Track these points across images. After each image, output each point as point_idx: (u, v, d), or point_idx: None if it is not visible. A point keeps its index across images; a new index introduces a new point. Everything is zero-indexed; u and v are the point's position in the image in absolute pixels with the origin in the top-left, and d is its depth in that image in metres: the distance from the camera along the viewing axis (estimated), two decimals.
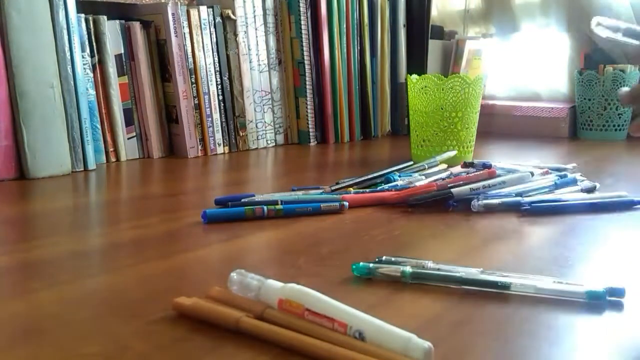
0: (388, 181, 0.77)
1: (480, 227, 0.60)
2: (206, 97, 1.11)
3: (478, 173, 0.72)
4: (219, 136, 1.13)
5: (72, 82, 0.92)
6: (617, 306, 0.39)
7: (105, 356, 0.33)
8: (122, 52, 1.04)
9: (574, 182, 0.73)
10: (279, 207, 0.64)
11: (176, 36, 1.06)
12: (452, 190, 0.66)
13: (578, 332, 0.36)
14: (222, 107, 1.14)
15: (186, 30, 1.08)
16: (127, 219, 0.64)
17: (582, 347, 0.34)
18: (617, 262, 0.49)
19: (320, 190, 0.72)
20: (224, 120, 1.14)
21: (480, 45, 1.55)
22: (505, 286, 0.41)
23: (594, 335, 0.36)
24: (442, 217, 0.64)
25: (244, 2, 1.16)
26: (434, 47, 1.50)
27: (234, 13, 1.14)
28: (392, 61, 1.42)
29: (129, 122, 1.05)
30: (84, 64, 0.96)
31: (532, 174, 0.73)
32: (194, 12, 1.09)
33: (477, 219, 0.63)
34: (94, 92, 0.99)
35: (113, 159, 1.03)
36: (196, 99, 1.10)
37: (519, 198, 0.67)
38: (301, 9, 1.22)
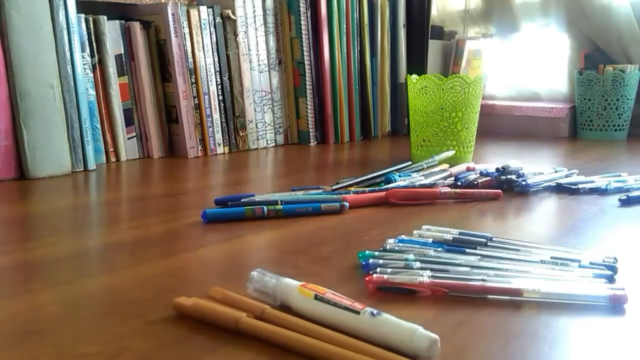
0: (388, 181, 0.77)
1: (479, 222, 0.60)
2: (206, 97, 1.11)
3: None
4: (219, 136, 1.13)
5: (72, 82, 0.92)
6: (618, 307, 0.39)
7: (105, 356, 0.32)
8: (122, 52, 1.04)
9: None
10: (279, 207, 0.64)
11: (176, 36, 1.06)
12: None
13: (578, 333, 0.36)
14: (222, 107, 1.14)
15: (186, 30, 1.08)
16: (127, 219, 0.64)
17: (582, 348, 0.34)
18: None
19: (321, 190, 0.72)
20: (224, 120, 1.14)
21: (480, 45, 1.55)
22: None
23: (594, 335, 0.36)
24: (440, 215, 0.64)
25: (244, 2, 1.16)
26: (434, 47, 1.50)
27: (234, 13, 1.14)
28: (392, 61, 1.42)
29: (129, 122, 1.05)
30: (84, 64, 0.96)
31: None
32: (194, 12, 1.09)
33: (473, 217, 0.63)
34: (94, 92, 0.99)
35: (113, 159, 1.02)
36: (196, 99, 1.10)
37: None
38: (301, 9, 1.22)
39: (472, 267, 0.44)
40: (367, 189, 0.73)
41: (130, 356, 0.33)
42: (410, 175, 0.79)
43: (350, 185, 0.75)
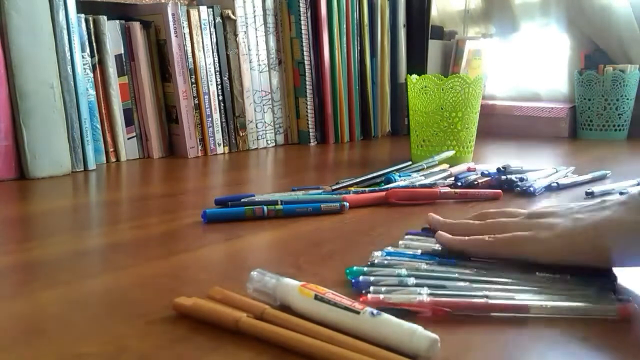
0: (388, 181, 0.77)
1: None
2: (206, 97, 1.11)
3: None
4: (219, 136, 1.13)
5: (72, 82, 0.92)
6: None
7: (105, 356, 0.32)
8: (122, 52, 1.04)
9: None
10: (279, 207, 0.64)
11: (176, 36, 1.06)
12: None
13: (582, 341, 0.36)
14: (222, 107, 1.14)
15: (186, 30, 1.08)
16: (127, 219, 0.64)
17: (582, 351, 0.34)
18: None
19: (321, 190, 0.72)
20: (224, 120, 1.14)
21: (480, 45, 1.55)
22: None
23: (596, 337, 0.36)
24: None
25: (244, 2, 1.16)
26: (434, 47, 1.50)
27: (234, 13, 1.14)
28: (392, 61, 1.42)
29: (129, 122, 1.05)
30: (84, 64, 0.96)
31: None
32: (194, 12, 1.09)
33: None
34: (94, 92, 0.99)
35: (113, 159, 1.02)
36: (196, 99, 1.10)
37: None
38: (301, 9, 1.22)
39: (472, 281, 0.41)
40: (367, 189, 0.73)
41: (130, 356, 0.33)
42: (410, 175, 0.79)
43: (350, 185, 0.75)
